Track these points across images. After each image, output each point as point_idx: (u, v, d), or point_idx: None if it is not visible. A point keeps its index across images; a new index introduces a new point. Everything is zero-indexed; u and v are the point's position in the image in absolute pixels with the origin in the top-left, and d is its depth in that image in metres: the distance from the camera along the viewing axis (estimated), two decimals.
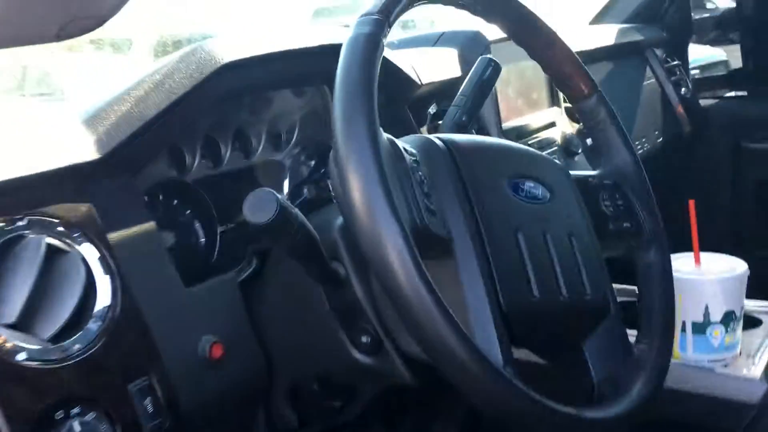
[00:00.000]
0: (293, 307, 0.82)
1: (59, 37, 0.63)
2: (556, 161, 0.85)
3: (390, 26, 0.66)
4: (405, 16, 0.70)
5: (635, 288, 0.82)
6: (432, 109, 1.19)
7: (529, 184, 0.75)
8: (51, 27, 0.61)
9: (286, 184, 1.05)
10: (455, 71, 1.21)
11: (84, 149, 0.72)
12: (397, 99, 1.12)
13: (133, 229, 0.75)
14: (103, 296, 0.70)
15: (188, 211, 0.94)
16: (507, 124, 1.28)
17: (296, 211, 0.67)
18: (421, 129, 1.15)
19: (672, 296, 0.81)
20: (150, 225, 0.77)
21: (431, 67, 1.16)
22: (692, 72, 2.15)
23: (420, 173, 0.67)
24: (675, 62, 2.00)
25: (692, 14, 2.12)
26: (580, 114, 0.88)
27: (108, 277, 0.71)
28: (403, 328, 0.63)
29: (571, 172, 0.81)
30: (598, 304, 0.75)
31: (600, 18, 1.96)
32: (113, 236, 0.73)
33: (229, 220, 0.98)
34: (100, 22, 0.63)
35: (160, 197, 0.91)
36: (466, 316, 0.65)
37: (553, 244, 0.73)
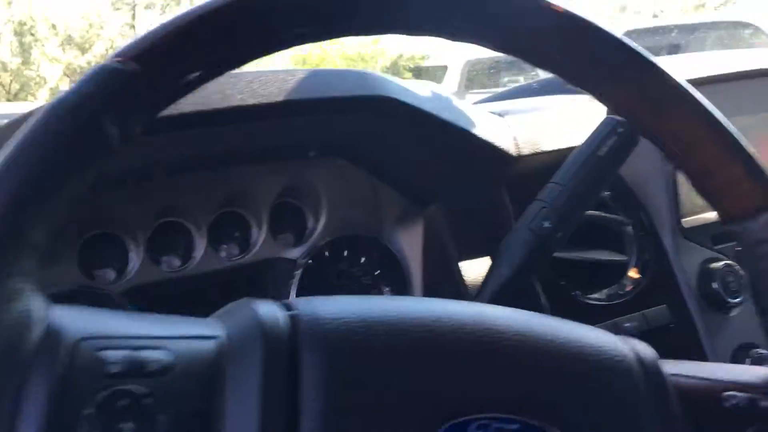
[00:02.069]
0: None
1: None
2: (632, 341, 0.34)
3: (160, 89, 0.30)
4: None
5: None
6: None
7: (497, 426, 0.31)
8: None
9: (293, 292, 0.71)
10: None
11: None
12: (485, 175, 0.73)
13: None
14: None
15: None
16: (690, 221, 0.80)
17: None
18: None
19: None
20: None
21: (553, 128, 0.75)
22: None
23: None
24: None
25: None
26: (741, 241, 0.41)
27: None
28: None
29: None
30: None
31: None
32: None
33: None
34: None
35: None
36: None
37: None
